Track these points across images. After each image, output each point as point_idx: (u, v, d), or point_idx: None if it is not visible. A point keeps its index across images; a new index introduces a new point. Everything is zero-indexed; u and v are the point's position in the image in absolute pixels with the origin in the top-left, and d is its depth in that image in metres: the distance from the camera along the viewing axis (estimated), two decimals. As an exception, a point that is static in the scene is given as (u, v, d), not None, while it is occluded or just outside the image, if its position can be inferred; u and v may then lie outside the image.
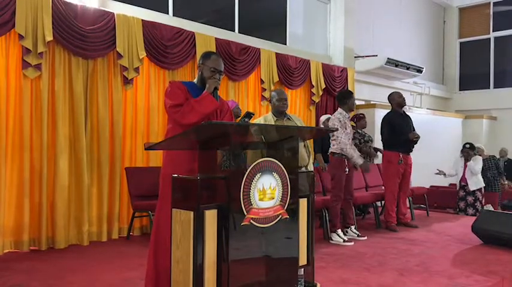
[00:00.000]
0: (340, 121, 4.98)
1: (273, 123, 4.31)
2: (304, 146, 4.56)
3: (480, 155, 7.63)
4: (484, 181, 7.35)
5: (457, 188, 7.20)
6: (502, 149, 9.56)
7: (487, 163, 7.75)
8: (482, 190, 7.09)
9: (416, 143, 5.81)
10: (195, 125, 2.53)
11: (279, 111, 4.38)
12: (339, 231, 4.97)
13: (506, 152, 9.55)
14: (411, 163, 5.88)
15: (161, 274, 2.57)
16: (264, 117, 4.50)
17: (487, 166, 7.74)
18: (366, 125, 6.78)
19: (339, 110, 5.12)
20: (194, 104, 2.61)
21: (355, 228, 5.23)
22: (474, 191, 7.03)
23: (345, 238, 4.93)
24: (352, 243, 4.85)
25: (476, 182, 6.99)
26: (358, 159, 4.95)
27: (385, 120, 5.92)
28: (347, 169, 5.02)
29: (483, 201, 7.09)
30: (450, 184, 9.20)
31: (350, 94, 5.19)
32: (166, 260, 2.30)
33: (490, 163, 7.81)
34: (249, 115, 4.69)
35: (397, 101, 5.86)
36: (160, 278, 2.59)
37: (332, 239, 4.95)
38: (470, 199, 7.08)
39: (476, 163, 7.00)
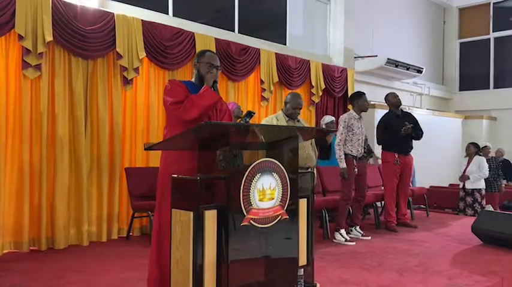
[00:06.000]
0: (345, 122, 5.02)
1: (285, 124, 4.38)
2: (312, 147, 4.59)
3: (482, 154, 7.69)
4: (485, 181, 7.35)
5: (460, 186, 7.23)
6: (498, 150, 9.58)
7: (490, 164, 7.77)
8: (483, 191, 7.09)
9: (414, 138, 5.77)
10: (197, 119, 2.54)
11: (291, 117, 4.45)
12: (342, 231, 4.99)
13: (502, 152, 9.58)
14: (411, 164, 5.89)
15: (166, 274, 2.53)
16: (276, 115, 4.52)
17: (489, 166, 7.75)
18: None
19: (350, 110, 5.23)
20: (195, 99, 2.60)
21: (359, 228, 5.26)
22: (473, 192, 7.04)
23: (347, 238, 4.94)
24: (354, 243, 4.87)
25: (475, 181, 7.00)
26: (340, 163, 4.96)
27: (380, 121, 6.02)
28: (356, 169, 5.03)
29: (483, 203, 7.10)
30: (450, 184, 9.21)
31: (359, 95, 5.22)
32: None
33: (493, 163, 7.82)
34: (250, 114, 4.68)
35: (391, 101, 5.91)
36: (164, 278, 2.54)
37: (335, 239, 4.98)
38: (469, 199, 7.10)
39: (484, 165, 7.08)
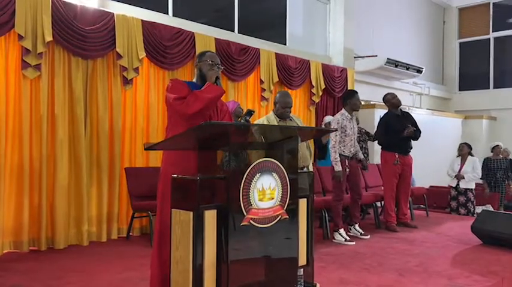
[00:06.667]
0: (338, 123, 5.02)
1: (276, 124, 4.30)
2: (307, 146, 4.57)
3: (493, 154, 7.71)
4: (491, 180, 7.35)
5: (453, 185, 7.25)
6: (504, 150, 9.56)
7: (500, 164, 7.77)
8: (474, 191, 7.13)
9: (412, 138, 5.77)
10: (199, 113, 2.56)
11: (282, 117, 4.35)
12: (341, 230, 4.99)
13: (508, 152, 9.56)
14: (411, 163, 5.88)
15: (168, 274, 2.52)
16: (267, 117, 4.47)
17: (499, 166, 7.75)
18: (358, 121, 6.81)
19: (342, 111, 5.19)
20: (198, 93, 2.62)
21: (359, 226, 5.27)
22: (466, 191, 7.07)
23: (347, 237, 4.95)
24: (354, 243, 4.87)
25: (469, 181, 7.03)
26: (336, 166, 4.95)
27: (380, 121, 6.00)
28: (347, 169, 5.03)
29: (475, 202, 7.13)
30: (450, 185, 9.20)
31: (351, 94, 5.20)
32: None
33: (503, 164, 7.82)
34: (250, 113, 4.67)
35: (391, 102, 5.88)
36: (167, 278, 2.54)
37: (334, 239, 4.98)
38: (462, 198, 7.12)
39: (478, 166, 7.12)
